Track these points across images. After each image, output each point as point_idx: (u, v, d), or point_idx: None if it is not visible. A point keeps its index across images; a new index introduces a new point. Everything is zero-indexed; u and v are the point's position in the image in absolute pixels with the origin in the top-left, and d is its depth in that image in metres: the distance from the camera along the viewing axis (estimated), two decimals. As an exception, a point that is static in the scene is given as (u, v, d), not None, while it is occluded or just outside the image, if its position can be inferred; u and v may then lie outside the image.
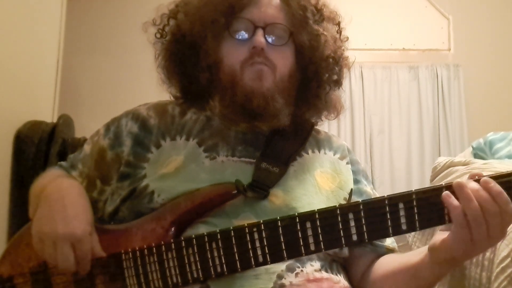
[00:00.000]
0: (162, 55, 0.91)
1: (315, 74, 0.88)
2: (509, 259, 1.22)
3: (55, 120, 1.68)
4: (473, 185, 0.63)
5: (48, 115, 1.73)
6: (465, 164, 1.67)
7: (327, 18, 0.90)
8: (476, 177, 0.65)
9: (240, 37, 0.83)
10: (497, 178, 0.65)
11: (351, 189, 0.88)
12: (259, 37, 0.81)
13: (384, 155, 3.44)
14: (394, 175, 3.40)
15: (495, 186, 0.63)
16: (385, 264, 0.82)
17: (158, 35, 0.91)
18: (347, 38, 0.93)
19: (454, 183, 0.64)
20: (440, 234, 0.68)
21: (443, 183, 0.68)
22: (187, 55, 0.87)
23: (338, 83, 0.91)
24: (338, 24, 0.92)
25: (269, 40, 0.82)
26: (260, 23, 0.82)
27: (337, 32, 0.91)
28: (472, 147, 1.83)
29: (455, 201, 0.63)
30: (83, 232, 0.74)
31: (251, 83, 0.81)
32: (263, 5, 0.83)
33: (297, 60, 0.86)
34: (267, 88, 0.81)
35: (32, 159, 1.49)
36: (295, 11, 0.84)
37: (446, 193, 0.64)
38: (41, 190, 0.82)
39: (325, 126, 0.98)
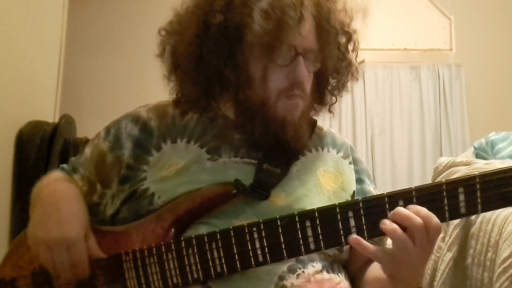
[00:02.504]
0: (187, 42, 0.82)
1: (326, 89, 0.90)
2: (510, 260, 1.22)
3: (56, 120, 1.69)
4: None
5: (50, 115, 1.73)
6: (466, 164, 1.67)
7: (352, 37, 0.88)
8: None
9: (280, 62, 0.79)
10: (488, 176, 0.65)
11: (354, 191, 0.88)
12: (303, 69, 0.79)
13: (386, 155, 3.44)
14: (396, 175, 3.40)
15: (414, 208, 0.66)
16: (370, 270, 0.82)
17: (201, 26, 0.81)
18: (363, 60, 0.92)
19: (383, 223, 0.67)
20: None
21: (443, 181, 0.68)
22: (223, 48, 0.80)
23: (343, 92, 0.93)
24: (356, 43, 0.90)
25: (306, 68, 0.80)
26: (300, 49, 0.79)
27: (353, 51, 0.90)
28: (474, 147, 1.83)
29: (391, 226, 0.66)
30: (76, 236, 0.75)
31: (285, 114, 0.80)
32: (303, 28, 0.78)
33: (315, 76, 0.86)
34: (298, 118, 0.81)
35: (33, 159, 1.49)
36: (328, 38, 0.82)
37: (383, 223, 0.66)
38: (38, 194, 0.83)
39: (327, 125, 0.99)
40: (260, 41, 0.76)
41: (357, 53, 0.90)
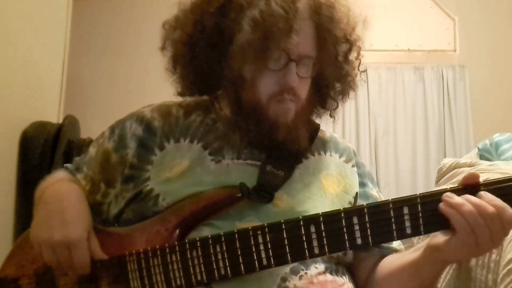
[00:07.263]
0: (184, 39, 0.84)
1: (328, 94, 0.90)
2: (515, 262, 1.21)
3: (60, 121, 1.70)
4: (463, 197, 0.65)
5: (54, 116, 1.74)
6: (470, 165, 1.66)
7: (353, 46, 0.87)
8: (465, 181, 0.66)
9: (272, 67, 0.79)
10: (493, 184, 0.65)
11: (356, 193, 0.88)
12: (294, 76, 0.78)
13: (389, 156, 3.43)
14: (399, 176, 3.39)
15: (486, 195, 0.64)
16: (389, 263, 0.82)
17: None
18: (365, 70, 0.93)
19: (443, 196, 0.65)
20: (442, 234, 0.68)
21: (448, 185, 0.67)
22: (216, 49, 0.81)
23: (345, 98, 0.92)
24: (359, 50, 0.89)
25: (299, 73, 0.80)
26: (294, 56, 0.79)
27: (356, 59, 0.89)
28: (478, 148, 1.82)
29: (453, 210, 0.64)
30: (79, 238, 0.75)
31: (276, 117, 0.80)
32: (299, 35, 0.78)
33: (313, 81, 0.86)
34: (291, 121, 0.81)
35: (37, 159, 1.50)
36: (327, 45, 0.82)
37: (442, 204, 0.65)
38: (42, 194, 0.83)
39: (330, 126, 0.98)
40: (248, 48, 0.76)
41: (360, 61, 0.90)
